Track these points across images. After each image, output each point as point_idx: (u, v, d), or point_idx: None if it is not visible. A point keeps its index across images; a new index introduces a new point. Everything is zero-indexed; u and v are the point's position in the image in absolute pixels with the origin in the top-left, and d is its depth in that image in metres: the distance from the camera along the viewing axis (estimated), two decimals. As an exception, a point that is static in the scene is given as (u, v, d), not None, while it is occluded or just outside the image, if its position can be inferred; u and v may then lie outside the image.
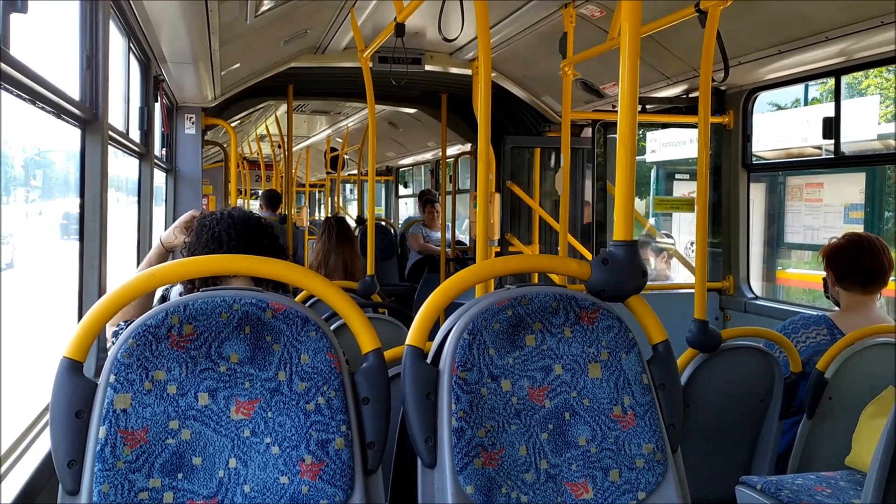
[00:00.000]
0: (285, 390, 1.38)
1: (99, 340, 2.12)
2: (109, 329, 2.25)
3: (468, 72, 5.31)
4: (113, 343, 1.39)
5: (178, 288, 2.43)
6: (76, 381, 1.31)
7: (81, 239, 2.24)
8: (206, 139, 6.44)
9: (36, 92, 1.77)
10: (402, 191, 11.61)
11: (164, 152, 4.71)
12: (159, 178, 4.68)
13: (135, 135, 3.66)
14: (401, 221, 10.47)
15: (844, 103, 3.79)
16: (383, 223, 9.07)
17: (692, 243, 7.16)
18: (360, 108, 8.53)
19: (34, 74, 1.71)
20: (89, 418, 1.31)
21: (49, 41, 2.15)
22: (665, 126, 6.71)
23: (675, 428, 1.50)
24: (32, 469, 1.72)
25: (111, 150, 2.45)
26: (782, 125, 8.10)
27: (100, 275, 2.23)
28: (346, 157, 10.64)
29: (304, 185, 13.11)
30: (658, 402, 1.49)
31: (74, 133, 2.26)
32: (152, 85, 3.92)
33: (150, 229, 3.92)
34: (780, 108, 9.06)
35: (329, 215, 6.78)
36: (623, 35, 1.46)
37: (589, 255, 5.34)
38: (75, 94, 2.17)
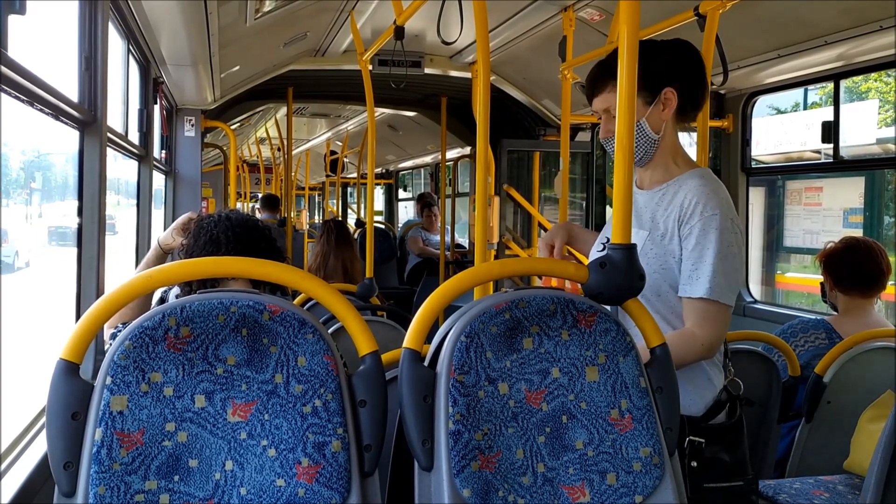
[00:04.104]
0: (282, 393, 1.37)
1: (96, 342, 2.12)
2: (107, 331, 2.25)
3: (468, 75, 5.32)
4: (110, 345, 1.39)
5: (175, 290, 2.43)
6: (73, 382, 1.30)
7: (79, 241, 2.24)
8: (206, 142, 6.43)
9: (34, 93, 1.77)
10: (401, 194, 11.61)
11: (163, 155, 4.71)
12: (158, 180, 4.68)
13: (134, 137, 3.66)
14: (399, 224, 10.47)
15: (844, 107, 3.80)
16: (383, 226, 9.07)
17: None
18: (359, 111, 8.54)
19: (32, 76, 1.71)
20: (85, 420, 1.30)
21: (47, 43, 2.15)
22: (664, 130, 6.69)
23: (673, 431, 1.49)
24: (29, 471, 1.72)
25: (110, 152, 2.45)
26: (781, 129, 8.10)
27: (98, 276, 2.23)
28: (345, 160, 10.65)
29: (303, 189, 13.12)
30: (655, 406, 1.49)
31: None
32: (152, 87, 3.93)
33: (148, 231, 3.92)
34: (779, 111, 9.06)
35: (328, 218, 6.77)
36: (621, 38, 1.46)
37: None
38: (74, 95, 2.17)
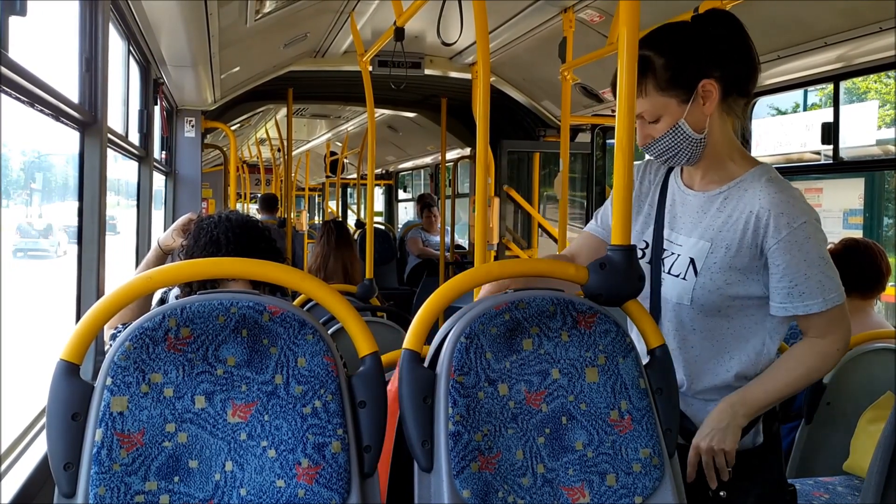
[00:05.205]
0: (282, 393, 1.38)
1: (97, 343, 2.12)
2: (107, 332, 2.25)
3: (468, 76, 5.32)
4: (111, 346, 1.39)
5: (176, 291, 2.44)
6: (73, 383, 1.30)
7: (80, 242, 2.24)
8: (206, 143, 6.45)
9: (35, 94, 1.78)
10: (401, 195, 11.62)
11: (163, 155, 4.72)
12: (158, 181, 4.69)
13: (134, 138, 3.67)
14: (399, 225, 10.48)
15: (843, 108, 3.79)
16: (382, 227, 9.07)
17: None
18: (359, 111, 8.55)
19: (33, 77, 1.72)
20: (86, 421, 1.30)
21: (48, 44, 2.16)
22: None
23: (672, 433, 1.49)
24: (29, 471, 1.73)
25: (110, 152, 2.45)
26: (781, 130, 8.11)
27: (98, 277, 2.23)
28: (345, 161, 10.66)
29: (303, 189, 13.12)
30: (655, 407, 1.49)
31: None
32: (152, 88, 3.93)
33: (148, 232, 3.92)
34: (779, 112, 9.06)
35: (328, 219, 6.79)
36: (621, 39, 1.46)
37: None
38: (74, 96, 2.17)
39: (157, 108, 4.13)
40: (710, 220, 1.70)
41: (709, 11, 1.72)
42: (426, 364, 1.46)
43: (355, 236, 7.16)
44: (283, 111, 7.48)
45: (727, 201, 1.69)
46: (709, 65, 1.63)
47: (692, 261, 1.69)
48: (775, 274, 1.63)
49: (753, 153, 4.41)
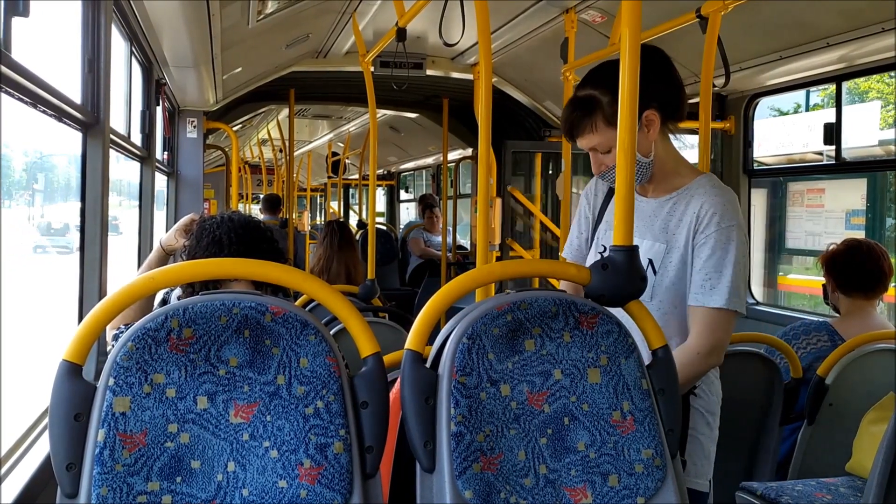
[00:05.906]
0: (284, 394, 1.38)
1: (99, 343, 2.12)
2: (110, 332, 2.25)
3: (470, 76, 5.32)
4: (113, 346, 1.39)
5: (178, 291, 2.44)
6: (75, 383, 1.31)
7: (82, 242, 2.24)
8: (208, 143, 6.44)
9: (37, 95, 1.78)
10: (403, 195, 11.62)
11: (165, 156, 4.72)
12: (160, 181, 4.69)
13: (136, 138, 3.67)
14: (401, 226, 10.48)
15: (846, 109, 3.79)
16: (384, 227, 9.07)
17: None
18: (361, 112, 8.55)
19: (36, 78, 1.72)
20: (88, 421, 1.31)
21: (50, 44, 2.16)
22: (666, 131, 6.68)
23: (675, 433, 1.49)
24: (32, 471, 1.73)
25: (113, 153, 2.45)
26: (783, 131, 8.10)
27: (100, 278, 2.23)
28: (347, 161, 10.66)
29: (305, 190, 13.13)
30: (657, 408, 1.49)
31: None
32: (154, 88, 3.93)
33: (150, 233, 3.93)
34: (781, 113, 9.05)
35: (331, 220, 6.79)
36: (623, 40, 1.46)
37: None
38: (77, 97, 2.18)
39: (159, 109, 4.13)
40: (662, 222, 1.87)
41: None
42: (428, 365, 1.46)
43: (357, 237, 7.16)
44: (285, 112, 7.49)
45: (677, 205, 1.87)
46: (648, 97, 1.75)
47: (651, 261, 1.86)
48: (696, 266, 1.80)
49: (756, 154, 4.43)
